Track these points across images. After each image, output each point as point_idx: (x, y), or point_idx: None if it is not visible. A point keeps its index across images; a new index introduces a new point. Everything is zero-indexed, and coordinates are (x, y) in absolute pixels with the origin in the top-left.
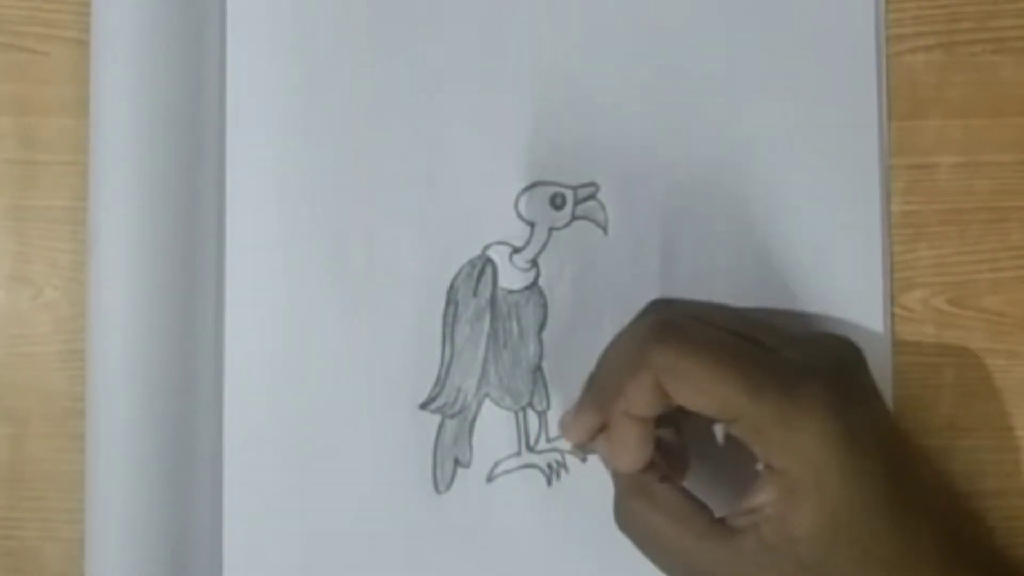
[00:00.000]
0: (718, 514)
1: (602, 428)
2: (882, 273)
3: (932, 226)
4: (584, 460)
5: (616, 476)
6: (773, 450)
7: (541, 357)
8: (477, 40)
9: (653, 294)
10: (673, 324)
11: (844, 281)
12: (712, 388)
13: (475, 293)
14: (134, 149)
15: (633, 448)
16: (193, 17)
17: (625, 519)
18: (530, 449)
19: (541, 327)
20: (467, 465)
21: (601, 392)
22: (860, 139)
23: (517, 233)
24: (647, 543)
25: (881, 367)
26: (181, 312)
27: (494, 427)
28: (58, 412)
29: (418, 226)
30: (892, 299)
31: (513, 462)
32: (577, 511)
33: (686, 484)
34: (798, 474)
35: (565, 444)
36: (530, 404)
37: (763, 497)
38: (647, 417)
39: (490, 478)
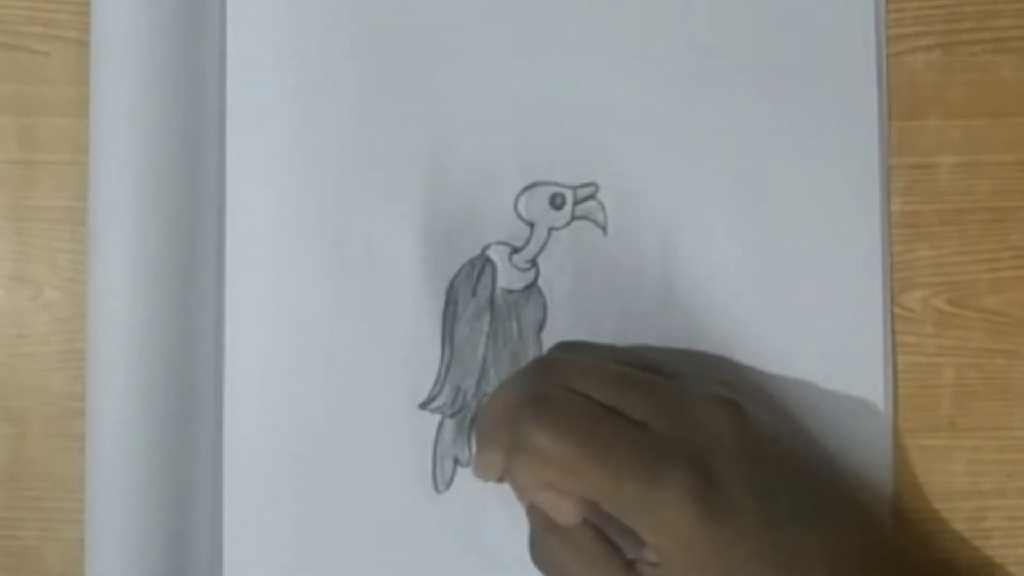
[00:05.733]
0: (630, 555)
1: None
2: (882, 273)
3: (932, 226)
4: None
5: (530, 511)
6: (642, 529)
7: None
8: (477, 40)
9: (652, 294)
10: (547, 401)
11: (844, 281)
12: (574, 473)
13: (475, 293)
14: (134, 149)
15: (564, 510)
16: (193, 17)
17: (539, 554)
18: None
19: (540, 327)
20: (467, 464)
21: (492, 439)
22: (860, 139)
23: (517, 233)
24: None
25: (881, 367)
26: (181, 312)
27: None
28: (58, 412)
29: (418, 226)
30: (892, 299)
31: None
32: None
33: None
34: (671, 551)
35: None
36: None
37: (654, 558)
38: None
39: None
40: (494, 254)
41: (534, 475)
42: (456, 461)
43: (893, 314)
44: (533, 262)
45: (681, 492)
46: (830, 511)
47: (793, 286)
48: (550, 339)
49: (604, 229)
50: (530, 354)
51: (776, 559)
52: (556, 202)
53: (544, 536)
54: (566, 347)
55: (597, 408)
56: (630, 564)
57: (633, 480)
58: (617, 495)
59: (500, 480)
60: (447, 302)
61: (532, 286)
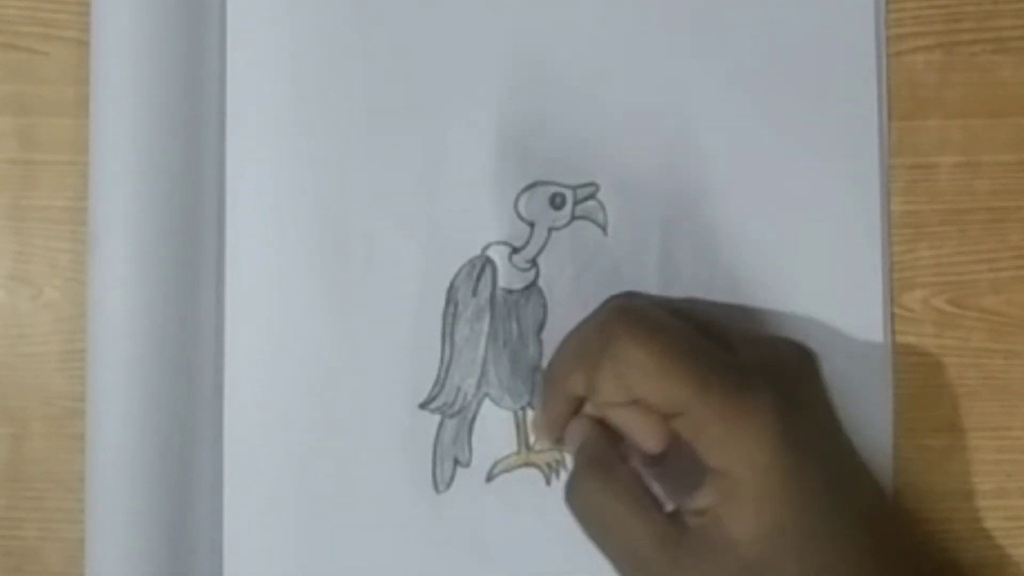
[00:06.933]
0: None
1: (572, 416)
2: (882, 273)
3: (932, 226)
4: None
5: (578, 453)
6: (715, 449)
7: (540, 357)
8: (477, 40)
9: (653, 294)
10: (633, 309)
11: (844, 281)
12: (660, 378)
13: (475, 293)
14: (134, 149)
15: (647, 429)
16: (193, 17)
17: (577, 496)
18: (529, 448)
19: (541, 327)
20: (467, 464)
21: (565, 380)
22: (860, 139)
23: (517, 233)
24: (595, 524)
25: (881, 367)
26: (181, 312)
27: (494, 427)
28: (58, 412)
29: (418, 226)
30: (892, 299)
31: (512, 461)
32: None
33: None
34: (739, 475)
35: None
36: (530, 404)
37: (708, 499)
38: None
39: (489, 477)
40: (494, 254)
41: (619, 385)
42: (456, 461)
43: (893, 314)
44: (533, 262)
45: (766, 412)
46: (872, 496)
47: (793, 286)
48: (550, 339)
49: (604, 229)
50: (530, 354)
51: (828, 512)
52: (556, 202)
53: (584, 477)
54: (629, 295)
55: (685, 324)
56: (671, 515)
57: (720, 390)
58: (701, 405)
59: (559, 441)
60: (447, 302)
61: (532, 286)
